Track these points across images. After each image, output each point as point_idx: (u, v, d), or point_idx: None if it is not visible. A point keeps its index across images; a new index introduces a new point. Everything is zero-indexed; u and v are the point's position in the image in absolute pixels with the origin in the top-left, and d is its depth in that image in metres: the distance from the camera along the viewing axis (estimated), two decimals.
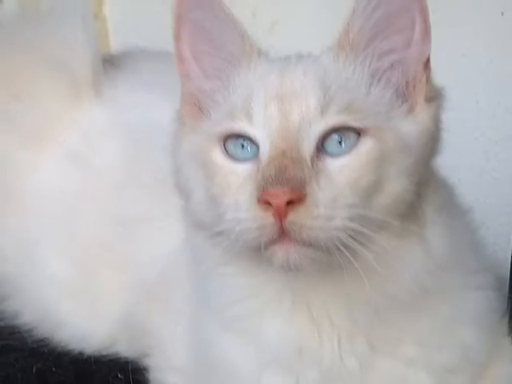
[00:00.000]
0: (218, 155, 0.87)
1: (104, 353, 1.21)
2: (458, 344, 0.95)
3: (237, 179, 0.85)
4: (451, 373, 0.95)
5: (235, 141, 0.87)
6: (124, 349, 1.20)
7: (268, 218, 0.79)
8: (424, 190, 0.89)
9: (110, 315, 1.21)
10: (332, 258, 0.81)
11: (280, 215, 0.78)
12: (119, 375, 1.17)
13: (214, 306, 0.96)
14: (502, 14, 1.41)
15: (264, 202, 0.79)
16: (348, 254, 0.80)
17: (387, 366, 0.93)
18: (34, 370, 1.20)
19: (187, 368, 1.05)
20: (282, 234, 0.79)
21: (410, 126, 0.87)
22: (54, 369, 1.20)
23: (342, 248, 0.79)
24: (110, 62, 1.37)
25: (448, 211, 0.93)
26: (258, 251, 0.82)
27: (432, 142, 0.89)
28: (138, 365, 1.14)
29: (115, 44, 1.36)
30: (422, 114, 0.88)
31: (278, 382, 0.94)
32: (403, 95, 0.89)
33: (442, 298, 0.93)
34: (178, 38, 0.93)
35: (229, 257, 0.88)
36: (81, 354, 1.21)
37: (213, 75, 0.93)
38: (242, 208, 0.82)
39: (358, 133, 0.84)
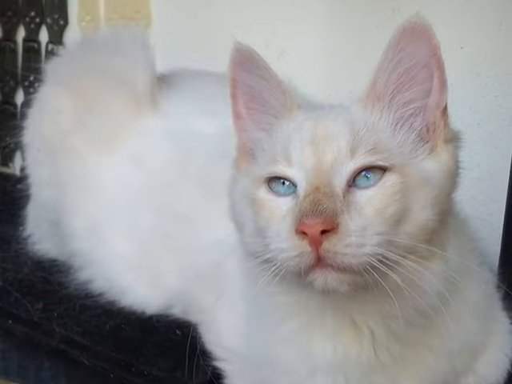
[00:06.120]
0: (263, 193, 0.96)
1: (164, 313, 1.37)
2: (464, 333, 1.06)
3: (279, 212, 0.92)
4: (457, 354, 1.07)
5: (277, 180, 0.95)
6: (179, 316, 1.35)
7: (305, 247, 0.85)
8: (447, 218, 0.97)
9: (166, 287, 1.34)
10: (364, 279, 0.87)
11: (315, 244, 0.85)
12: (177, 331, 1.32)
13: (267, 322, 1.06)
14: None
15: (301, 232, 0.85)
16: (377, 277, 0.86)
17: (413, 353, 1.03)
18: (107, 327, 1.36)
19: (238, 352, 1.15)
20: (319, 260, 0.86)
21: (432, 164, 0.94)
22: (123, 326, 1.36)
23: (372, 271, 0.86)
24: (162, 81, 1.55)
25: (457, 226, 1.03)
26: (300, 276, 0.89)
27: (452, 177, 0.97)
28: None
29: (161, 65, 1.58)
30: (442, 154, 0.95)
31: (329, 382, 1.02)
32: (425, 137, 0.96)
33: (453, 298, 0.99)
34: (234, 97, 1.03)
35: (277, 280, 0.92)
36: (144, 313, 1.38)
37: (261, 127, 1.01)
38: (282, 238, 0.88)
39: (384, 169, 0.91)
